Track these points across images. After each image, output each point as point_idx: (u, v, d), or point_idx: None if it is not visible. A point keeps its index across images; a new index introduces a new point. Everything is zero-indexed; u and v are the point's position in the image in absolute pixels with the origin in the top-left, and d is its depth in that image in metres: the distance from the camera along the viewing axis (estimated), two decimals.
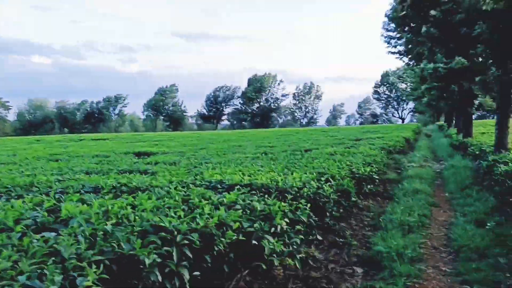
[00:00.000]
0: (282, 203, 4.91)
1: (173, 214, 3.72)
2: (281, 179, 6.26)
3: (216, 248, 3.57)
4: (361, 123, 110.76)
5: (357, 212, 8.14)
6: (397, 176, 13.87)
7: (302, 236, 4.87)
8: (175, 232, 3.30)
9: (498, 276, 4.59)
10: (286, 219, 4.64)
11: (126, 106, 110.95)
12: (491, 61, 13.97)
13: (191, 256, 3.29)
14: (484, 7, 12.80)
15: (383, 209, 8.54)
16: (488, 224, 6.64)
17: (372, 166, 10.93)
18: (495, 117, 13.29)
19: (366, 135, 28.15)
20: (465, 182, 11.51)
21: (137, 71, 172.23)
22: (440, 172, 14.89)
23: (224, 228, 3.83)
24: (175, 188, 5.53)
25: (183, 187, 5.92)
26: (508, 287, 4.32)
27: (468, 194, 9.79)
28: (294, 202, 5.16)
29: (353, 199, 8.07)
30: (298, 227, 4.70)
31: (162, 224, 3.31)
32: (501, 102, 13.33)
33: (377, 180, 10.97)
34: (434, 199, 9.94)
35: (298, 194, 5.87)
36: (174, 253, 3.14)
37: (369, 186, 9.96)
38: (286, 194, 5.58)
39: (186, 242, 3.31)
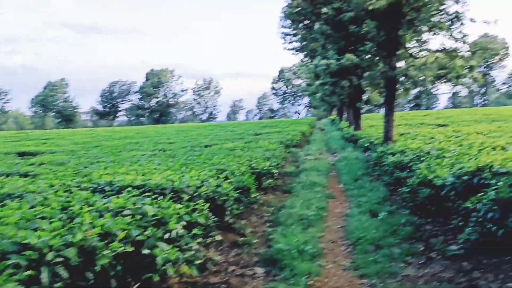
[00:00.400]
0: (178, 205, 4.54)
1: (45, 227, 3.16)
2: (178, 178, 5.87)
3: (99, 263, 3.10)
4: (260, 118, 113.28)
5: (257, 208, 8.02)
6: (295, 169, 14.16)
7: (200, 239, 4.55)
8: (47, 249, 2.78)
9: (394, 266, 4.70)
10: (183, 222, 4.28)
11: (8, 102, 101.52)
12: (377, 58, 14.82)
13: (67, 275, 2.80)
14: (370, 7, 13.53)
15: (282, 203, 8.53)
16: (381, 214, 6.89)
17: (271, 161, 10.97)
18: (384, 111, 14.13)
19: (265, 130, 28.67)
20: (358, 173, 12.04)
21: (21, 64, 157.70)
22: (334, 164, 15.50)
23: (110, 239, 3.36)
24: (55, 193, 4.87)
25: (66, 191, 5.26)
26: (403, 277, 4.43)
27: (361, 185, 10.22)
28: (191, 203, 4.81)
29: (253, 195, 7.94)
30: (195, 230, 4.35)
31: (28, 241, 2.76)
32: (388, 97, 14.21)
33: (276, 174, 11.05)
34: (330, 191, 10.21)
35: (196, 194, 5.54)
36: (44, 275, 2.63)
37: (268, 181, 9.95)
38: (183, 195, 5.21)
39: (61, 259, 2.81)
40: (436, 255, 4.79)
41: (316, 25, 19.71)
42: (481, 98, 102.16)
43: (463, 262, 4.30)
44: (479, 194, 4.37)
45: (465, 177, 5.31)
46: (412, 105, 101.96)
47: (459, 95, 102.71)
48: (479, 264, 4.15)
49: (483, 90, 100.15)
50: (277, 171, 11.24)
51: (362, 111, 26.03)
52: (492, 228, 4.04)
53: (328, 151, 20.84)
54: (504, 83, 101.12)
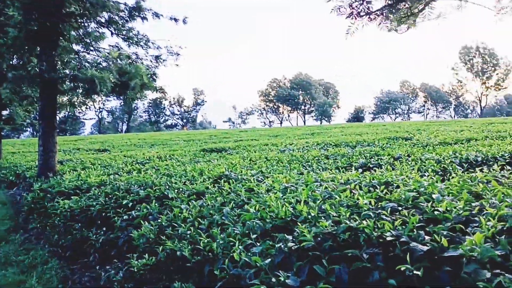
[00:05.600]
0: None
1: None
2: None
3: None
4: None
5: None
6: None
7: None
8: None
9: None
10: None
11: None
12: (28, 53, 10.37)
13: None
14: None
15: None
16: None
17: None
18: (40, 129, 9.74)
19: None
20: (0, 228, 7.35)
21: None
22: None
23: None
24: None
25: None
26: None
27: (9, 257, 5.71)
28: None
29: None
30: None
31: None
32: (44, 110, 9.90)
33: None
34: None
35: None
36: None
37: None
38: None
39: None
40: None
41: None
42: (123, 125, 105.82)
43: None
44: None
45: None
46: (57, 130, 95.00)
47: (105, 121, 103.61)
48: None
49: (126, 117, 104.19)
50: None
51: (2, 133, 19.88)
52: None
53: None
54: (145, 111, 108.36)
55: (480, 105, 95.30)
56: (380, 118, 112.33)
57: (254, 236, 2.68)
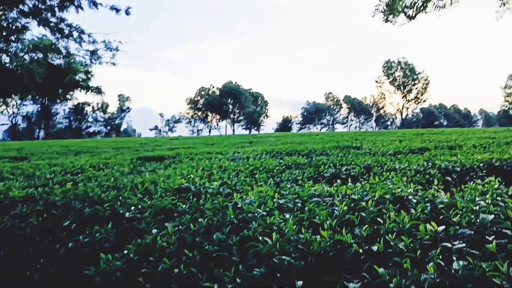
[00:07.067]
0: None
1: None
2: None
3: None
4: None
5: None
6: None
7: None
8: None
9: None
10: None
11: None
12: None
13: None
14: None
15: None
16: None
17: None
18: None
19: None
20: None
21: None
22: None
23: None
24: None
25: None
26: None
27: None
28: None
29: None
30: None
31: None
32: None
33: None
34: None
35: None
36: None
37: None
38: None
39: None
40: None
41: None
42: (40, 131, 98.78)
43: None
44: None
45: None
46: None
47: (20, 127, 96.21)
48: None
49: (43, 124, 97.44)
50: None
51: None
52: None
53: None
54: (65, 117, 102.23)
55: (402, 117, 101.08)
56: (307, 128, 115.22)
57: (300, 283, 1.85)
